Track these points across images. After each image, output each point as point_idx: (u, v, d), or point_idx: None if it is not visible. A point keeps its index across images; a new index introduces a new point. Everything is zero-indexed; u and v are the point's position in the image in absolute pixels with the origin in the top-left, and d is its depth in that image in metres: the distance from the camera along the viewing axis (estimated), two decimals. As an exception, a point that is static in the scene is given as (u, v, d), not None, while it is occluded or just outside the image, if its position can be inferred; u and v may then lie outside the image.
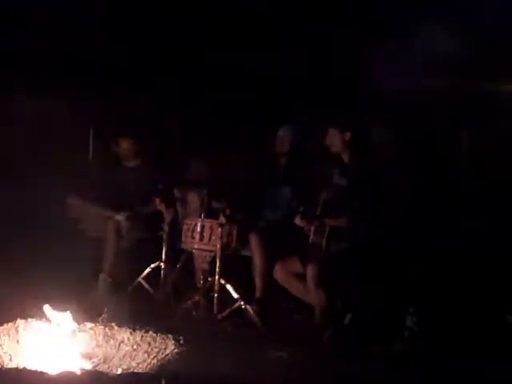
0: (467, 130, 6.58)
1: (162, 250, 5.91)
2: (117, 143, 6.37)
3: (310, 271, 5.05)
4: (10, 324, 4.13)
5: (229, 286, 5.37)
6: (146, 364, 3.89)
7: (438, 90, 6.38)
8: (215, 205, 5.56)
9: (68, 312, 4.06)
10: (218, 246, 5.37)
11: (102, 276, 6.00)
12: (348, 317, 5.11)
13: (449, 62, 6.23)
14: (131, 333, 4.13)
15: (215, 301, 5.33)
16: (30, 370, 3.62)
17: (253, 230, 5.56)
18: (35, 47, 6.45)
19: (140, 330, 4.13)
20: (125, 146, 6.34)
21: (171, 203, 6.01)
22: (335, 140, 5.27)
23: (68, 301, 4.13)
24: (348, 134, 5.23)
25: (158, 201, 5.93)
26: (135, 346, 4.04)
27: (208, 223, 5.44)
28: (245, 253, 5.60)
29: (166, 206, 5.93)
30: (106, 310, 4.31)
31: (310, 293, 5.13)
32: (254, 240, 5.51)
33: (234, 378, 3.99)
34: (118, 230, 6.05)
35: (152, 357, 3.93)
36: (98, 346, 4.08)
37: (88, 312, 4.34)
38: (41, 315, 4.15)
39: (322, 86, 6.53)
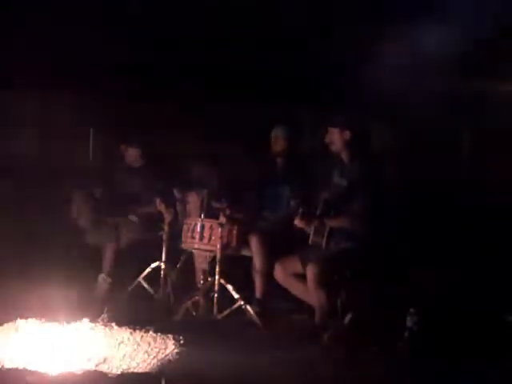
0: (467, 130, 6.58)
1: (162, 250, 5.91)
2: (125, 149, 6.39)
3: (310, 271, 5.05)
4: (10, 324, 4.13)
5: (229, 286, 5.37)
6: (146, 364, 3.89)
7: (438, 89, 6.39)
8: (215, 205, 5.55)
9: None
10: (218, 246, 5.37)
11: (101, 276, 6.01)
12: (348, 317, 5.11)
13: (449, 62, 6.24)
14: (131, 333, 4.13)
15: (215, 301, 5.33)
16: (30, 370, 3.62)
17: (253, 230, 5.56)
18: (35, 47, 6.45)
19: (140, 330, 4.13)
20: (132, 153, 6.37)
21: (171, 203, 6.01)
22: (335, 139, 5.26)
23: (68, 300, 4.13)
24: (348, 133, 5.22)
25: (158, 201, 5.93)
26: (135, 346, 4.04)
27: (208, 223, 5.44)
28: (245, 253, 5.60)
29: (165, 206, 5.93)
30: (105, 309, 4.31)
31: (309, 293, 5.12)
32: (254, 240, 5.51)
33: (234, 377, 3.99)
34: (118, 231, 6.07)
35: (152, 357, 3.93)
36: (98, 346, 4.07)
37: (88, 312, 4.34)
38: (41, 315, 4.16)
39: (322, 86, 6.53)
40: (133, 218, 6.15)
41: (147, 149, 6.36)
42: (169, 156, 6.55)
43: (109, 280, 5.99)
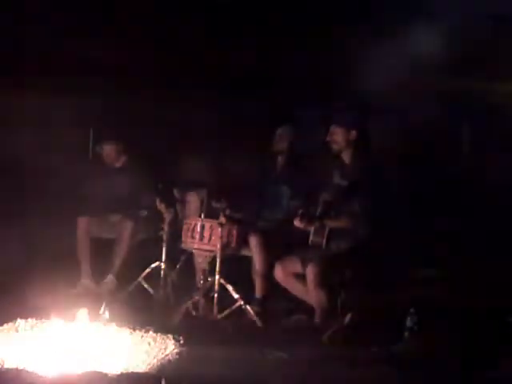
0: (467, 129, 6.58)
1: (162, 250, 5.91)
2: (101, 146, 6.38)
3: (310, 271, 5.05)
4: (10, 324, 4.13)
5: (229, 286, 5.37)
6: (145, 364, 3.89)
7: (437, 89, 6.39)
8: (215, 205, 5.55)
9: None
10: (218, 246, 5.36)
11: (110, 277, 6.01)
12: (348, 317, 5.11)
13: (449, 62, 6.24)
14: (131, 333, 4.12)
15: (215, 301, 5.33)
16: (30, 371, 3.61)
17: (253, 230, 5.56)
18: (36, 47, 6.45)
19: (140, 329, 4.12)
20: (107, 150, 6.35)
21: (171, 203, 6.00)
22: (338, 138, 5.25)
23: (68, 300, 4.13)
24: (353, 133, 5.21)
25: (158, 201, 5.93)
26: (135, 346, 4.04)
27: (208, 223, 5.44)
28: (245, 253, 5.60)
29: (165, 206, 5.93)
30: (105, 310, 4.31)
31: (309, 293, 5.12)
32: (253, 240, 5.51)
33: (234, 378, 3.99)
34: (133, 232, 6.06)
35: (152, 357, 3.93)
36: (98, 346, 4.07)
37: (88, 312, 4.33)
38: (41, 315, 4.16)
39: (322, 86, 6.53)
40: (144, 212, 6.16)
41: (123, 145, 6.32)
42: (161, 155, 6.53)
43: (115, 281, 6.00)
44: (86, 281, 6.01)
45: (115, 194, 6.23)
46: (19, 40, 6.47)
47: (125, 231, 6.06)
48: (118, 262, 6.04)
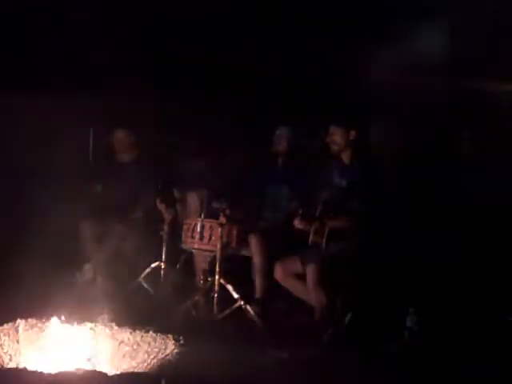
0: (467, 130, 6.58)
1: (162, 250, 5.91)
2: (112, 134, 6.34)
3: (310, 271, 5.05)
4: (10, 324, 4.13)
5: (229, 286, 5.37)
6: (145, 364, 3.89)
7: (437, 89, 6.39)
8: (215, 205, 5.55)
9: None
10: (218, 246, 5.37)
11: (88, 266, 5.97)
12: (348, 317, 5.11)
13: (449, 62, 6.24)
14: (131, 333, 4.12)
15: (215, 301, 5.34)
16: (30, 370, 3.61)
17: (253, 230, 5.56)
18: (35, 47, 6.46)
19: (140, 330, 4.12)
20: (120, 136, 6.30)
21: (171, 203, 6.00)
22: (338, 138, 5.26)
23: (68, 300, 4.13)
24: (353, 133, 5.22)
25: (158, 201, 5.93)
26: (135, 346, 4.04)
27: (208, 223, 5.44)
28: (245, 253, 5.60)
29: (165, 206, 5.93)
30: (106, 309, 4.31)
31: (309, 293, 5.13)
32: (253, 240, 5.51)
33: (234, 378, 3.99)
34: (124, 237, 6.06)
35: (152, 357, 3.93)
36: (98, 346, 4.07)
37: (88, 312, 4.34)
38: (41, 315, 4.16)
39: (322, 86, 6.53)
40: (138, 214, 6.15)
41: (137, 135, 6.28)
42: (167, 155, 6.53)
43: (92, 271, 5.96)
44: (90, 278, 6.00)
45: (116, 195, 6.22)
46: (19, 40, 6.47)
47: (115, 235, 6.05)
48: (101, 256, 6.01)
